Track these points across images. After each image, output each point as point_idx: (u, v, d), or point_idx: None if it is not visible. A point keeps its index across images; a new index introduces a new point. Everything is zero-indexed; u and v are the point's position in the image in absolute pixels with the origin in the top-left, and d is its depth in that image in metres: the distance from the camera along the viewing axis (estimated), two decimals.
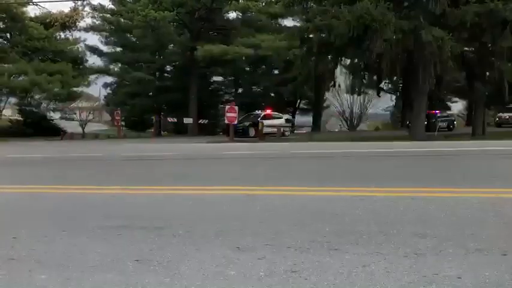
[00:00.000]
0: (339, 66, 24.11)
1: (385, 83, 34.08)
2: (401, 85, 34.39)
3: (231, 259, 2.67)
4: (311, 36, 20.61)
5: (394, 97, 47.45)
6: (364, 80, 24.78)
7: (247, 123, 26.44)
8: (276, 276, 2.38)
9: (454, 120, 33.85)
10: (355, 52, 19.78)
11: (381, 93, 37.10)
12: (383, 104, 50.67)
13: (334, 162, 8.31)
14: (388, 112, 49.65)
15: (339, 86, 30.57)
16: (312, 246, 2.86)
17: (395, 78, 27.96)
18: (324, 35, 19.47)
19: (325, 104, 45.62)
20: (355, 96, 43.66)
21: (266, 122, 26.23)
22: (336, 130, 48.54)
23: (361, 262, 2.54)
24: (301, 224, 3.40)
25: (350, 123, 49.55)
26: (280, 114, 29.34)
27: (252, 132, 25.50)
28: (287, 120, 29.39)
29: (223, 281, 2.34)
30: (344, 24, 17.67)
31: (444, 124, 30.67)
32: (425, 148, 11.64)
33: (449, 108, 39.28)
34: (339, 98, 50.01)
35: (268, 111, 28.61)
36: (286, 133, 27.54)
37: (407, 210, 3.78)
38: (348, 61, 23.49)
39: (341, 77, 34.39)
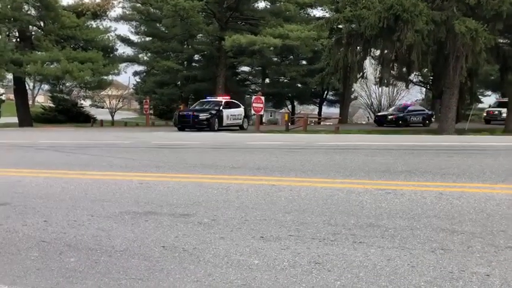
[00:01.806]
0: (368, 57, 23.74)
1: (415, 74, 33.43)
2: (431, 77, 33.65)
3: (255, 248, 2.69)
4: (340, 26, 20.34)
5: (423, 89, 46.55)
6: (393, 72, 24.29)
7: (209, 114, 21.88)
8: (300, 267, 2.38)
9: (432, 115, 31.64)
10: (385, 43, 19.44)
11: (411, 86, 36.47)
12: (412, 96, 49.84)
13: (360, 155, 8.22)
14: (417, 105, 48.82)
15: (367, 77, 30.12)
16: (336, 239, 2.85)
17: (425, 70, 27.33)
18: (353, 26, 19.20)
19: (352, 96, 45.20)
20: (384, 88, 43.09)
21: (228, 111, 22.86)
22: (364, 122, 48.02)
23: (386, 256, 2.52)
24: (326, 216, 3.39)
25: None
26: (238, 103, 25.27)
27: (216, 124, 21.65)
28: (245, 110, 25.34)
29: (247, 270, 2.36)
30: (374, 14, 17.38)
31: (417, 119, 28.78)
32: (455, 142, 11.38)
33: (481, 102, 38.01)
34: (367, 89, 49.47)
35: (227, 98, 24.42)
36: (245, 125, 24.14)
37: (435, 205, 3.72)
38: (378, 52, 23.08)
39: (370, 68, 33.91)
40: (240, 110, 24.20)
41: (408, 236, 2.87)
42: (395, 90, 49.12)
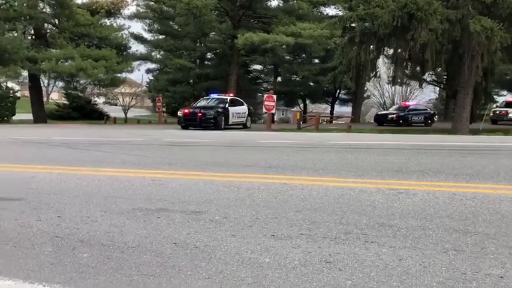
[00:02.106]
0: (381, 56, 23.59)
1: (429, 74, 33.10)
2: (445, 76, 33.31)
3: (265, 247, 2.69)
4: (353, 25, 20.23)
5: (437, 89, 46.11)
6: (406, 71, 24.09)
7: (215, 112, 20.44)
8: (311, 266, 2.38)
9: (435, 115, 31.07)
10: (398, 42, 19.30)
11: (424, 85, 36.07)
12: (426, 95, 49.41)
13: (373, 154, 8.18)
14: (431, 104, 48.40)
15: (379, 76, 29.79)
16: (348, 238, 2.84)
17: (439, 69, 27.04)
18: (367, 24, 19.09)
19: (365, 95, 44.96)
20: (397, 87, 42.80)
21: (233, 109, 21.58)
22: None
23: (398, 256, 2.51)
24: (338, 215, 3.38)
25: None
26: (242, 101, 23.65)
27: (223, 123, 20.43)
28: (248, 109, 23.75)
29: (258, 268, 2.36)
30: (388, 13, 17.26)
31: (419, 118, 28.20)
32: (469, 142, 11.26)
33: (495, 102, 37.43)
34: (380, 88, 49.16)
35: (232, 96, 23.20)
36: (248, 124, 22.97)
37: (448, 205, 3.69)
38: (391, 51, 22.93)
39: (383, 67, 33.61)
40: (244, 108, 22.99)
41: (420, 236, 2.85)
42: (408, 89, 48.78)
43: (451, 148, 9.61)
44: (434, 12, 16.85)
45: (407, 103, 32.45)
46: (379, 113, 33.77)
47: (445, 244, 2.70)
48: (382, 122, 28.35)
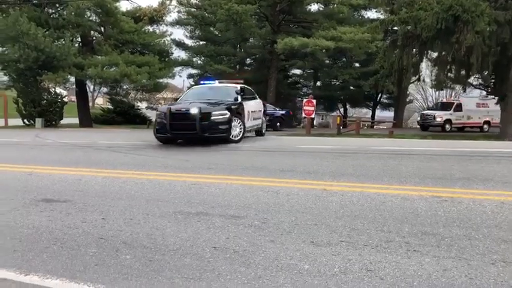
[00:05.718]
0: (424, 59, 22.99)
1: (475, 77, 31.96)
2: (492, 80, 32.06)
3: (305, 253, 2.67)
4: (395, 28, 19.86)
5: (484, 93, 44.41)
6: (450, 74, 23.36)
7: (224, 110, 10.63)
8: (351, 274, 2.34)
9: (287, 116, 24.85)
10: (442, 45, 18.77)
11: (470, 89, 34.78)
12: None
13: (416, 160, 7.97)
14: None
15: (423, 80, 28.92)
16: (389, 246, 2.78)
17: (486, 72, 26.09)
18: (409, 27, 18.68)
19: (408, 99, 43.90)
20: (441, 91, 41.55)
21: (249, 104, 12.62)
22: (419, 126, 46.50)
23: (442, 266, 2.43)
24: (379, 223, 3.32)
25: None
26: (253, 91, 15.02)
27: (238, 129, 11.16)
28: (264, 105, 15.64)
29: (297, 274, 2.35)
30: (432, 15, 16.82)
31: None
32: None
33: None
34: (423, 92, 47.86)
35: (242, 83, 14.07)
36: (264, 129, 15.01)
37: (496, 214, 3.54)
38: (434, 54, 22.28)
39: (426, 70, 32.65)
40: (259, 103, 14.38)
41: (466, 246, 2.75)
42: (453, 94, 47.28)
43: (499, 154, 9.23)
44: (482, 13, 16.26)
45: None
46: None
47: (492, 255, 2.60)
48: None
